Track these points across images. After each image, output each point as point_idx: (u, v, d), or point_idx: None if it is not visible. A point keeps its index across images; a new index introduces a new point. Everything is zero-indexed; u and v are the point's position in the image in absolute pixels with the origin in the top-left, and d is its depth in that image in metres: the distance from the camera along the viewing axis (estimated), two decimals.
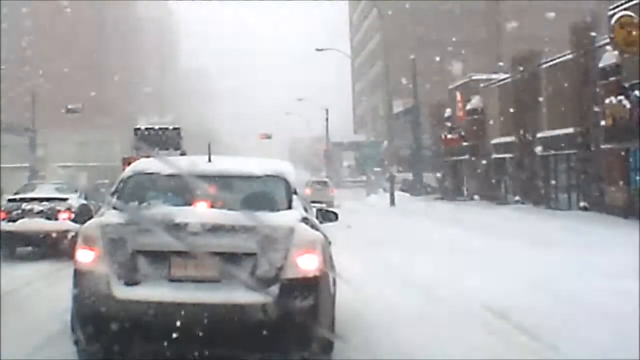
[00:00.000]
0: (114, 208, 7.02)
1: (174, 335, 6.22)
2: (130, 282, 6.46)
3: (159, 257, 6.50)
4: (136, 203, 7.06)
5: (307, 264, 6.52)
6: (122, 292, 6.40)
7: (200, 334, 6.24)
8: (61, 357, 7.38)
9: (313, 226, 7.17)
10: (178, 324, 6.22)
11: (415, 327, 9.14)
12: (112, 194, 7.35)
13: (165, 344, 6.30)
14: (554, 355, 7.81)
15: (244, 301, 6.29)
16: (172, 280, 6.45)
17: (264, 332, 6.24)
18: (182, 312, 6.25)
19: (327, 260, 7.03)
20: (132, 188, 7.32)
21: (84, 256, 6.63)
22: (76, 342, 6.73)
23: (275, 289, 6.37)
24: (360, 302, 10.24)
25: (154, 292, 6.37)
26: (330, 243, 7.54)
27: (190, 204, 6.83)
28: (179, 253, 6.43)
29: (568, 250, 17.08)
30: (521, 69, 38.14)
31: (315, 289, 6.51)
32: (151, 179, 7.36)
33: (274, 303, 6.29)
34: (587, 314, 9.55)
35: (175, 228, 6.44)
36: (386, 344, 8.29)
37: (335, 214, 9.32)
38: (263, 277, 6.39)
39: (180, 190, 7.00)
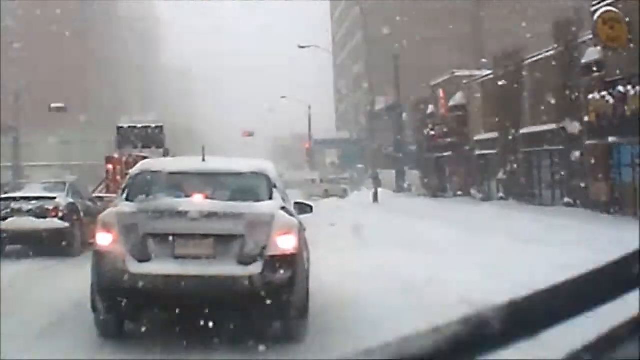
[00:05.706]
0: (126, 200, 8.47)
1: (178, 302, 7.52)
2: (142, 260, 7.79)
3: (165, 238, 7.86)
4: (144, 196, 8.48)
5: (285, 244, 7.86)
6: (136, 267, 7.73)
7: (199, 300, 7.56)
8: (47, 357, 7.49)
9: (290, 213, 8.54)
10: (181, 292, 7.58)
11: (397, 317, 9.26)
12: (124, 189, 8.84)
13: (171, 308, 7.64)
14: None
15: (235, 274, 7.69)
16: (177, 257, 7.84)
17: (251, 299, 7.61)
18: (185, 283, 7.60)
19: (302, 241, 8.32)
20: (140, 183, 8.79)
21: (103, 239, 8.02)
22: (95, 311, 8.03)
23: (259, 264, 7.72)
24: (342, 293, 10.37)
25: (162, 267, 7.74)
26: (305, 229, 8.73)
27: (189, 196, 8.26)
28: (181, 235, 7.89)
29: (550, 246, 17.11)
30: (504, 65, 38.30)
31: (292, 264, 7.83)
32: (156, 176, 8.87)
33: (259, 275, 7.66)
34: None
35: (178, 215, 7.88)
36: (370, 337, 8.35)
37: (310, 207, 10.67)
38: (250, 254, 7.75)
39: (180, 185, 8.59)
